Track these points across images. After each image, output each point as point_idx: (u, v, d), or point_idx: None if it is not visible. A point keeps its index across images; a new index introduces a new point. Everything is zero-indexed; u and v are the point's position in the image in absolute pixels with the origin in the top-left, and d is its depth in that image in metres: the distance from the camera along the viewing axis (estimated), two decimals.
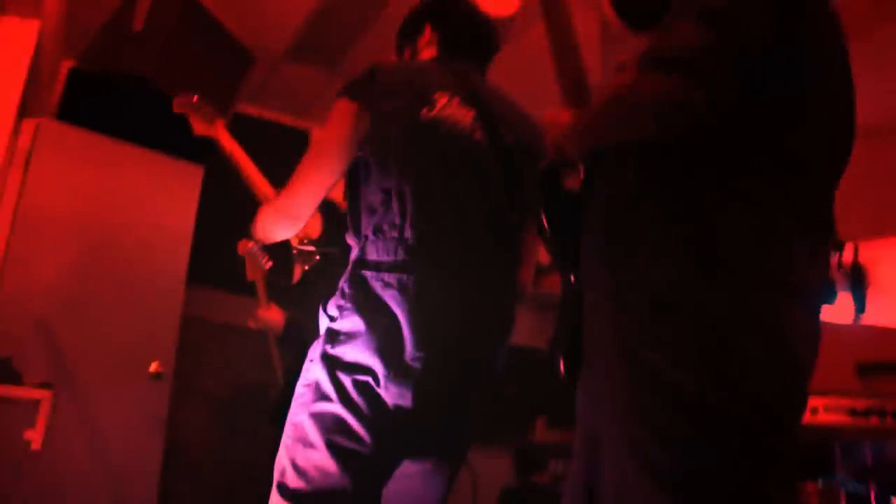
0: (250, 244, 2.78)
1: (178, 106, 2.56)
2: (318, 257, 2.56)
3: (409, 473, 1.85)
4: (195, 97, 2.53)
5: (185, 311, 3.78)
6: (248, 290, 2.91)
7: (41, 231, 3.47)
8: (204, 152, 3.61)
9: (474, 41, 2.06)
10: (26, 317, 3.34)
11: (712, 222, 1.24)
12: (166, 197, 3.85)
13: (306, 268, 2.60)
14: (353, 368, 1.67)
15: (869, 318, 3.47)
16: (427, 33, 2.05)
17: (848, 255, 3.57)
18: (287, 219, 1.89)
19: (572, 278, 1.50)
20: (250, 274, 2.87)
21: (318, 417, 1.66)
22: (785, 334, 1.21)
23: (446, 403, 1.77)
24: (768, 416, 1.19)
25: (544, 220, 1.56)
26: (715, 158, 1.27)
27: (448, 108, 1.84)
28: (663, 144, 1.29)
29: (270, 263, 2.77)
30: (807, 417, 2.79)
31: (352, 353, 1.67)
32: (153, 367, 3.61)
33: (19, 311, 3.33)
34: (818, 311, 1.29)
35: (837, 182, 1.35)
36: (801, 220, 1.26)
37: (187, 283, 3.81)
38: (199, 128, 2.56)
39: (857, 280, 3.57)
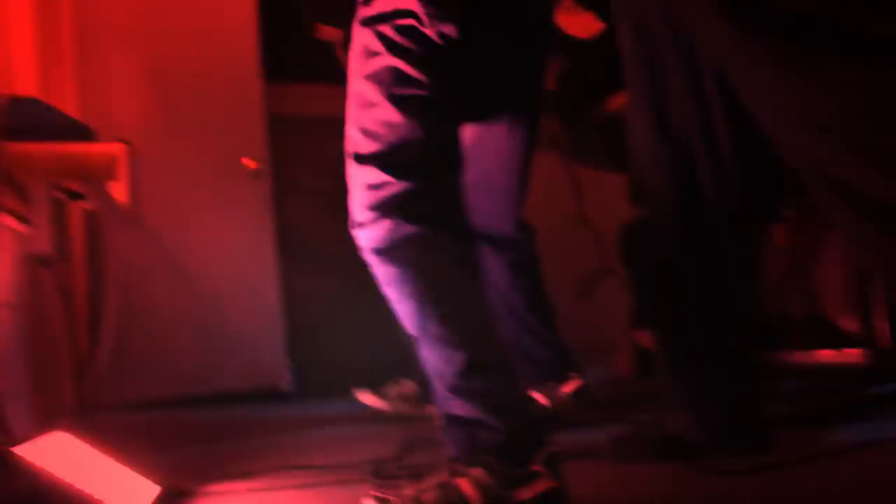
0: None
1: None
2: None
3: (485, 133, 1.92)
4: None
5: (268, 110, 3.67)
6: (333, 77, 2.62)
7: (106, 42, 3.41)
8: None
9: None
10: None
11: None
12: None
13: None
14: (393, 16, 1.60)
15: None
16: None
17: None
18: None
19: None
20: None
21: (373, 76, 1.62)
22: None
23: (499, 43, 1.72)
24: None
25: None
26: None
27: None
28: None
29: None
30: None
31: (388, 2, 1.61)
32: (250, 164, 3.57)
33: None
34: None
35: None
36: None
37: (263, 80, 3.69)
38: None
39: None
